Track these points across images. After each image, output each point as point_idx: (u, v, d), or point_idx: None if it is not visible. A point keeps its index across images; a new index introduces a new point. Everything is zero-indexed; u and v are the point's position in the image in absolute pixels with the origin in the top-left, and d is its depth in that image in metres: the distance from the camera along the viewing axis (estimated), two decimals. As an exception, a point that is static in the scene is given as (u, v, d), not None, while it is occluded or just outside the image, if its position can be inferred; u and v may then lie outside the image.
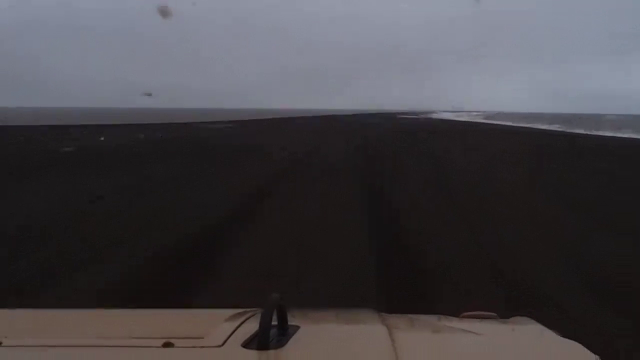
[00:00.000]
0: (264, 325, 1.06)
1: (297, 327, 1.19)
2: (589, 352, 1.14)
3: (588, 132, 43.78)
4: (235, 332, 1.14)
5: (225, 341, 1.09)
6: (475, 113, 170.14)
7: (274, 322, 1.13)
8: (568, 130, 46.95)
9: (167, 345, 1.07)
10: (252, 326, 1.15)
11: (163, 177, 14.03)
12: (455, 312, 1.50)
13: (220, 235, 7.64)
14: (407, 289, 5.37)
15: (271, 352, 1.04)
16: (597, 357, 1.11)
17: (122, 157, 19.68)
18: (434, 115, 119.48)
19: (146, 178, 13.81)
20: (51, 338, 1.15)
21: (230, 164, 17.19)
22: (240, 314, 1.29)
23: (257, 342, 1.06)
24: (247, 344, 1.08)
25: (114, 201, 10.49)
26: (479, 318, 1.45)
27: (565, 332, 1.29)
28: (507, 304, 4.96)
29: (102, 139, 28.57)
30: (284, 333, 1.15)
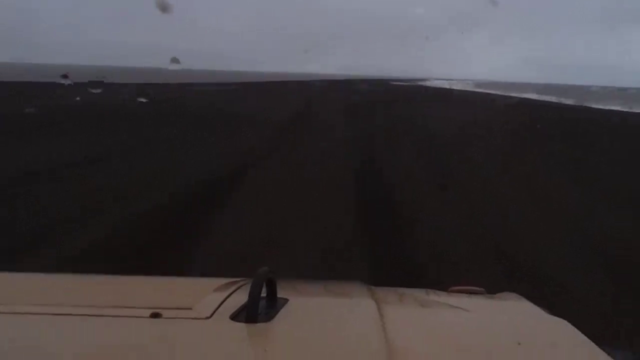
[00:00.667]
0: (253, 298, 1.05)
1: (286, 300, 1.19)
2: (575, 329, 1.16)
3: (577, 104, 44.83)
4: (224, 304, 1.14)
5: (213, 313, 1.09)
6: (466, 81, 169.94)
7: (263, 295, 1.12)
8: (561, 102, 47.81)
9: (155, 315, 1.07)
10: (241, 297, 1.15)
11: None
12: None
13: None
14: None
15: (260, 325, 1.04)
16: (583, 334, 1.12)
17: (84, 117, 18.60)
18: (427, 83, 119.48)
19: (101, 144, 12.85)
20: (34, 305, 1.14)
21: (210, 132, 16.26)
22: (229, 284, 1.29)
23: (246, 314, 1.05)
24: (235, 316, 1.07)
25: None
26: (467, 293, 1.47)
27: (553, 309, 1.30)
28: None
29: (78, 98, 26.45)
30: (273, 306, 1.15)
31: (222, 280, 1.33)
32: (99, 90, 30.19)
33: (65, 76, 33.45)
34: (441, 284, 1.54)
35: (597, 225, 7.33)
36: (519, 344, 1.09)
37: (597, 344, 1.07)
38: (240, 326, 1.03)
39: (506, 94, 63.82)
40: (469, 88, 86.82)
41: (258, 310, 1.06)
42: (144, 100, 26.14)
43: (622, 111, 36.86)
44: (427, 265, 5.38)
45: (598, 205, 8.73)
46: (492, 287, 1.53)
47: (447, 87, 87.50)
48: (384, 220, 7.10)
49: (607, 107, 39.88)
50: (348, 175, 10.13)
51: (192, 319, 1.07)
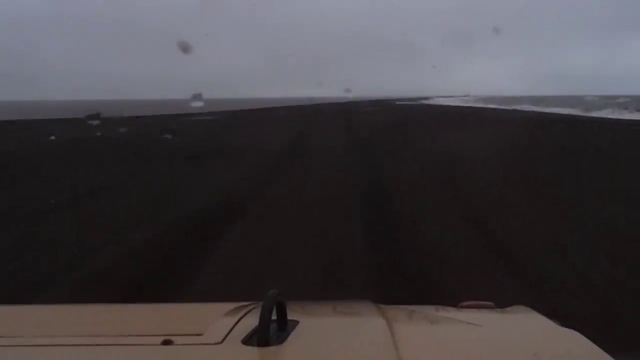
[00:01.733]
0: (264, 321, 1.06)
1: (297, 322, 1.19)
2: (588, 341, 1.15)
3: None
4: (235, 328, 1.14)
5: (225, 338, 1.09)
6: (468, 97, 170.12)
7: (273, 317, 1.12)
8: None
9: (167, 342, 1.07)
10: (251, 321, 1.15)
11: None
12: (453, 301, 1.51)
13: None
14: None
15: (271, 348, 1.04)
16: (596, 345, 1.11)
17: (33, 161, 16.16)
18: (431, 101, 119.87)
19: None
20: (46, 336, 1.14)
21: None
22: (239, 309, 1.29)
23: (257, 338, 1.05)
24: (247, 341, 1.07)
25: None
26: (477, 308, 1.46)
27: (565, 322, 1.29)
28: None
29: (53, 137, 23.92)
30: (284, 328, 1.15)
31: (232, 305, 1.33)
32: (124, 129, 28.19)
33: (93, 117, 29.44)
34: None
35: None
36: (534, 356, 1.09)
37: (610, 354, 1.06)
38: (253, 350, 1.03)
39: (509, 107, 63.66)
40: (473, 104, 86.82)
41: (269, 334, 1.06)
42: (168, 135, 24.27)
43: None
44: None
45: None
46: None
47: (455, 104, 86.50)
48: None
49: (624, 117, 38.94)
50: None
51: (204, 344, 1.07)
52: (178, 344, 1.07)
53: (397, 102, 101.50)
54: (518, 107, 61.85)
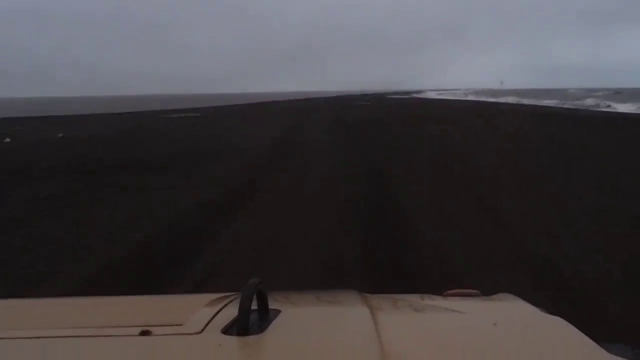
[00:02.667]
0: (243, 310, 1.04)
1: (278, 311, 1.18)
2: (573, 327, 1.14)
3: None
4: (215, 318, 1.13)
5: (204, 327, 1.07)
6: (461, 91, 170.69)
7: (254, 307, 1.11)
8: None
9: (145, 333, 1.05)
10: (232, 311, 1.13)
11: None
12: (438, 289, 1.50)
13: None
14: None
15: (251, 337, 1.03)
16: (581, 332, 1.11)
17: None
18: (422, 95, 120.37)
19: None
20: (22, 329, 1.12)
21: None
22: (219, 299, 1.28)
23: (237, 327, 1.04)
24: (226, 330, 1.06)
25: None
26: (462, 296, 1.46)
27: (550, 309, 1.29)
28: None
29: (8, 140, 21.34)
30: (265, 318, 1.14)
31: (213, 296, 1.32)
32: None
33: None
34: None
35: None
36: (518, 343, 1.09)
37: (595, 341, 1.06)
38: (232, 339, 1.02)
39: (500, 100, 64.21)
40: (467, 97, 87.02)
41: (249, 323, 1.05)
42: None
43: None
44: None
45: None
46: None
47: (450, 97, 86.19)
48: None
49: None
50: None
51: (183, 334, 1.05)
52: (157, 334, 1.05)
53: (388, 97, 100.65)
54: (514, 101, 62.28)
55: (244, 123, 31.12)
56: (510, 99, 65.49)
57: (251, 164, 13.99)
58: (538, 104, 51.23)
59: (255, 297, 1.11)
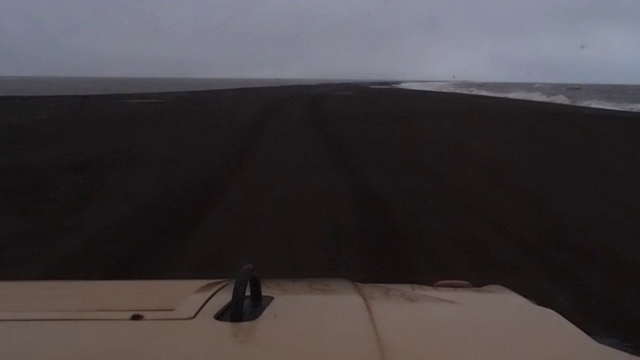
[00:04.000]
0: (237, 296, 1.03)
1: (271, 298, 1.18)
2: (563, 318, 1.16)
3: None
4: (207, 304, 1.12)
5: (197, 313, 1.07)
6: (441, 83, 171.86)
7: (247, 294, 1.10)
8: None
9: (136, 317, 1.04)
10: (224, 297, 1.13)
11: None
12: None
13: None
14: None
15: (244, 323, 1.02)
16: (572, 324, 1.12)
17: None
18: (404, 85, 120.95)
19: None
20: (14, 312, 1.11)
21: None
22: (212, 285, 1.27)
23: (230, 313, 1.03)
24: (219, 316, 1.05)
25: None
26: (452, 287, 1.46)
27: (540, 300, 1.30)
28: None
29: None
30: (258, 304, 1.13)
31: (206, 282, 1.31)
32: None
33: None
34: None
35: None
36: (508, 333, 1.10)
37: (586, 332, 1.07)
38: (225, 325, 1.02)
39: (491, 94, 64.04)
40: (451, 89, 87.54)
41: (243, 309, 1.04)
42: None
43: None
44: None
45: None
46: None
47: (436, 89, 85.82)
48: None
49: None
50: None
51: (175, 319, 1.04)
52: (148, 319, 1.04)
53: (372, 87, 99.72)
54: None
55: (199, 116, 25.16)
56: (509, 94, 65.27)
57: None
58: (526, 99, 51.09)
59: (248, 284, 1.10)
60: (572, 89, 77.47)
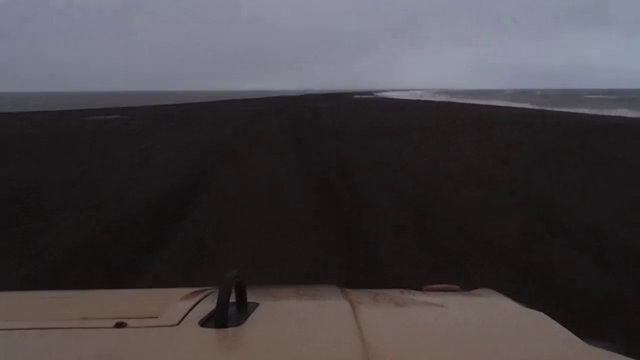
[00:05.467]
0: (222, 303, 1.02)
1: (257, 304, 1.16)
2: (554, 322, 1.15)
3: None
4: (192, 311, 1.10)
5: (181, 320, 1.05)
6: (420, 91, 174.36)
7: (232, 300, 1.09)
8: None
9: (120, 325, 1.02)
10: (209, 304, 1.11)
11: None
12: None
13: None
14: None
15: (230, 329, 1.01)
16: (563, 327, 1.11)
17: None
18: (388, 94, 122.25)
19: None
20: None
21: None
22: (196, 293, 1.25)
23: (215, 320, 1.02)
24: (204, 323, 1.04)
25: None
26: (441, 291, 1.45)
27: (530, 303, 1.29)
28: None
29: None
30: (243, 310, 1.12)
31: (190, 289, 1.29)
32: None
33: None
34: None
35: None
36: (500, 337, 1.08)
37: (577, 335, 1.06)
38: (210, 332, 1.00)
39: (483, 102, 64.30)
40: (433, 98, 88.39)
41: (227, 315, 1.03)
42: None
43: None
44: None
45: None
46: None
47: (424, 98, 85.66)
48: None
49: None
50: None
51: (159, 326, 1.03)
52: (132, 327, 1.02)
53: (355, 97, 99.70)
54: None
55: (164, 135, 21.85)
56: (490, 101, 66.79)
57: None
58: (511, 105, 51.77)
59: (233, 290, 1.09)
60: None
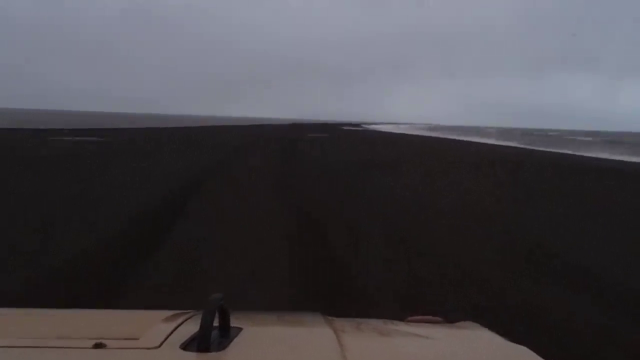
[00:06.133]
0: (205, 326, 1.00)
1: (240, 329, 1.14)
2: (537, 356, 1.14)
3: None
4: (174, 333, 1.08)
5: (162, 342, 1.03)
6: (410, 125, 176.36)
7: (216, 324, 1.07)
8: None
9: (99, 346, 1.00)
10: (191, 328, 1.09)
11: None
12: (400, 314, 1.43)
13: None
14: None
15: (212, 354, 0.98)
16: None
17: None
18: (378, 127, 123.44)
19: None
20: None
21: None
22: (179, 315, 1.23)
23: (197, 343, 1.00)
24: (186, 346, 1.01)
25: None
26: (425, 322, 1.44)
27: (513, 337, 1.28)
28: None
29: None
30: (226, 335, 1.10)
31: (172, 312, 1.27)
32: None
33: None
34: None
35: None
36: None
37: None
38: (192, 356, 0.98)
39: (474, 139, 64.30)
40: (420, 132, 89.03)
41: (210, 339, 1.01)
42: None
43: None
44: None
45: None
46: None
47: (411, 132, 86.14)
48: None
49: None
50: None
51: (139, 348, 1.00)
52: (111, 348, 1.00)
53: (343, 128, 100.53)
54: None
55: (135, 162, 19.75)
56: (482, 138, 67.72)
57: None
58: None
59: (216, 314, 1.07)
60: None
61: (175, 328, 1.11)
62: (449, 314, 1.53)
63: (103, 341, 1.01)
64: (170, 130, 54.19)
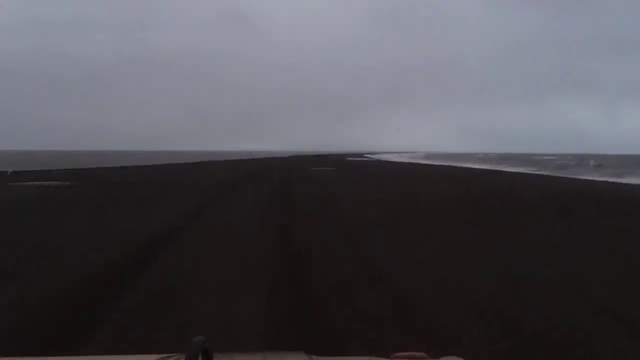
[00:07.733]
0: None
1: None
2: None
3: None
4: None
5: None
6: (413, 153, 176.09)
7: None
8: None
9: None
10: None
11: None
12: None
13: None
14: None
15: None
16: None
17: None
18: (380, 157, 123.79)
19: None
20: None
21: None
22: (162, 359, 1.23)
23: None
24: None
25: None
26: (409, 359, 1.44)
27: None
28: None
29: None
30: None
31: (156, 356, 1.26)
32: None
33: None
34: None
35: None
36: None
37: None
38: None
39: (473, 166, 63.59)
40: (422, 161, 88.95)
41: None
42: None
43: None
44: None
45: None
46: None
47: (416, 161, 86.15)
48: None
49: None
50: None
51: None
52: None
53: (348, 159, 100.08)
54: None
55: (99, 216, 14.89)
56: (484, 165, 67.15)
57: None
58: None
59: (201, 357, 1.06)
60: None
61: None
62: (433, 351, 1.52)
63: None
64: (157, 168, 49.57)
